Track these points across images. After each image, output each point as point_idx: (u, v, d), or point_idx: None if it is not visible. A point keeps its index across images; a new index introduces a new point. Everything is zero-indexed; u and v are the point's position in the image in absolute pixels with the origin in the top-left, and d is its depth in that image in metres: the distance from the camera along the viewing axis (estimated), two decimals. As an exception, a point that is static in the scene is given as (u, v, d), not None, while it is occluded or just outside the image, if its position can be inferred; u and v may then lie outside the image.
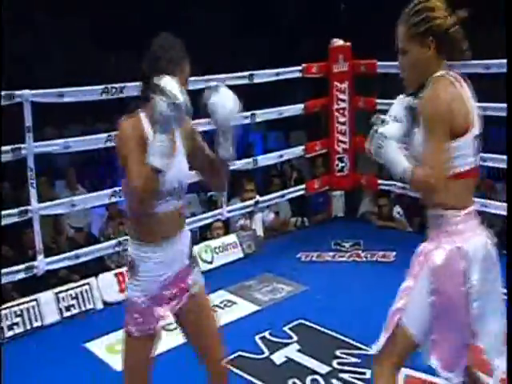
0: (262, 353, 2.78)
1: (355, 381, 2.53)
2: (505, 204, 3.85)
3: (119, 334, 2.95)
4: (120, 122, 1.73)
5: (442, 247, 1.69)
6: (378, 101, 4.48)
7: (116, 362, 2.75)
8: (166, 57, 1.69)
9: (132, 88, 3.48)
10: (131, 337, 1.79)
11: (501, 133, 6.45)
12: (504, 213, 3.86)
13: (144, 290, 1.75)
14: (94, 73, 6.43)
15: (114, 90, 3.42)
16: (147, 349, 1.81)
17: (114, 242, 3.58)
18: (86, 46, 7.76)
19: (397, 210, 4.73)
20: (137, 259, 1.74)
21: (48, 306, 3.20)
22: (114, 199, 3.57)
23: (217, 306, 3.19)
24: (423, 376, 2.49)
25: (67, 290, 3.31)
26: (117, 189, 3.54)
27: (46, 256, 3.25)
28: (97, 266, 3.71)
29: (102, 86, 3.38)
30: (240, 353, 2.75)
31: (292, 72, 4.44)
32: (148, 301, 1.76)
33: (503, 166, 3.87)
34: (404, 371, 2.51)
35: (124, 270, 3.56)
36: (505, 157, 3.90)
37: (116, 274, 3.54)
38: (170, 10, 8.02)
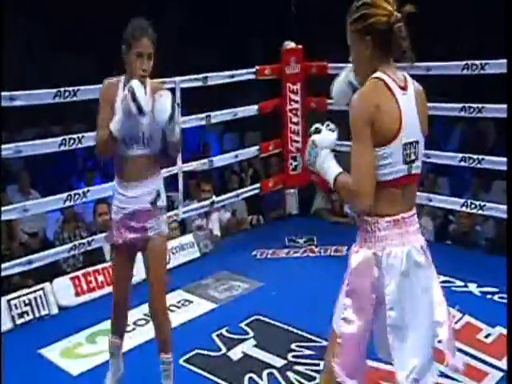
0: (219, 350, 2.78)
1: (310, 372, 2.57)
2: (448, 198, 4.08)
3: (76, 338, 2.94)
4: (104, 80, 2.24)
5: (361, 251, 1.66)
6: (330, 101, 4.57)
7: (72, 367, 2.71)
8: (128, 31, 2.12)
9: (86, 91, 3.41)
10: (116, 245, 2.28)
11: (444, 130, 6.73)
12: (446, 206, 4.04)
13: (115, 213, 2.24)
14: (47, 75, 6.25)
15: (67, 94, 3.33)
16: (125, 255, 2.28)
17: (69, 245, 3.50)
18: (39, 48, 7.51)
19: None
20: (114, 191, 2.26)
21: None
22: (68, 203, 3.48)
23: (174, 305, 3.18)
24: (374, 364, 2.57)
25: (20, 297, 3.19)
26: (72, 193, 3.46)
27: (-2, 263, 3.14)
28: (52, 271, 3.60)
29: (55, 90, 3.29)
30: (197, 350, 2.76)
31: (246, 74, 4.46)
32: (119, 221, 2.22)
33: (445, 162, 4.04)
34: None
35: (80, 273, 3.50)
36: (448, 153, 4.10)
37: (72, 278, 3.45)
38: (123, 13, 7.88)
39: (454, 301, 3.04)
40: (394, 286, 1.60)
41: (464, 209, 3.83)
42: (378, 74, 1.57)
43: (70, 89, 3.33)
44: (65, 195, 3.42)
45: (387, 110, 1.55)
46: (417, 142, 1.61)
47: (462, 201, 3.84)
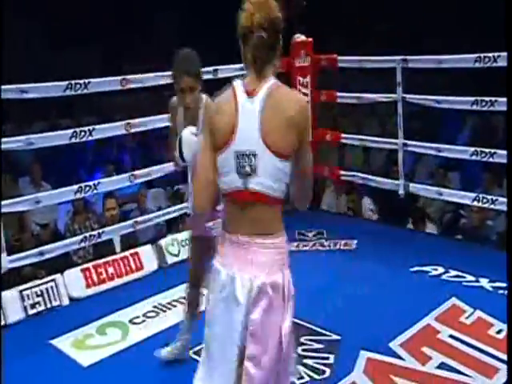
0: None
1: (319, 366, 2.55)
2: (459, 192, 4.03)
3: (86, 330, 2.94)
4: (170, 99, 2.42)
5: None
6: (339, 94, 4.53)
7: (83, 358, 2.71)
8: (174, 65, 2.30)
9: (97, 84, 3.41)
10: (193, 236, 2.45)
11: (457, 125, 6.66)
12: (457, 200, 3.99)
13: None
14: (50, 71, 6.25)
15: (78, 86, 3.32)
16: (199, 245, 2.39)
17: (79, 237, 3.50)
18: (38, 46, 7.53)
19: (368, 205, 4.80)
20: None
21: (12, 305, 3.09)
22: (79, 195, 3.48)
23: (184, 298, 3.16)
24: (383, 358, 2.55)
25: (32, 288, 3.21)
26: (82, 184, 3.46)
27: (9, 254, 3.14)
28: (63, 263, 3.61)
29: (66, 82, 3.27)
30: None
31: (256, 67, 4.41)
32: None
33: (457, 156, 3.98)
34: (365, 354, 2.57)
35: (91, 265, 3.51)
36: (459, 147, 4.04)
37: (82, 270, 3.45)
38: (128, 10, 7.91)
39: (466, 296, 3.04)
40: (212, 302, 1.56)
41: (476, 203, 3.77)
42: (237, 79, 1.54)
43: (81, 81, 3.32)
44: (76, 187, 3.42)
45: (224, 113, 1.49)
46: (254, 155, 1.45)
47: (474, 195, 3.78)
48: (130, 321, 3.03)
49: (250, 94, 1.47)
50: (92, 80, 3.37)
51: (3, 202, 3.11)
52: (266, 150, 1.45)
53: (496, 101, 3.57)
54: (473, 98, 3.69)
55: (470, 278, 3.35)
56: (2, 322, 3.05)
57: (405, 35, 6.85)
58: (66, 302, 3.31)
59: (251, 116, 1.46)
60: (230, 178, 1.50)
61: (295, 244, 4.06)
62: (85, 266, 3.51)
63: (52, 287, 3.28)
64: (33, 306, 3.18)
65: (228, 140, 1.47)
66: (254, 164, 1.46)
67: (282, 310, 1.53)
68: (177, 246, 3.88)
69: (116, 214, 4.06)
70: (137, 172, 3.79)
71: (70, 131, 3.36)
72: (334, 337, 2.76)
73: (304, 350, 2.66)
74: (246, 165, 1.46)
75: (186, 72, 2.23)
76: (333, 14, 7.47)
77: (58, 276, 3.34)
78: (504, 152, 3.63)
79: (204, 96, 2.28)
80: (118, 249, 3.87)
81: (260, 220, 1.50)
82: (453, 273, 3.41)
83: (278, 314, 1.52)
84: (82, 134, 3.38)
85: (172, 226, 4.35)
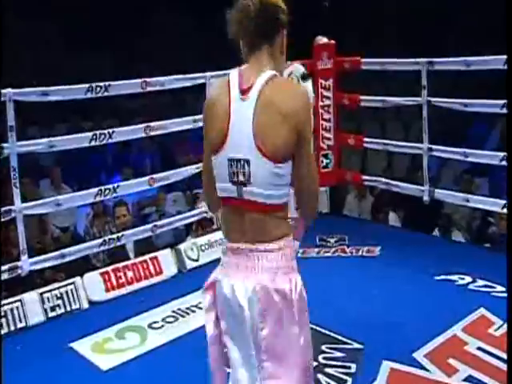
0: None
1: (341, 375, 2.53)
2: (487, 199, 3.96)
3: (105, 333, 2.98)
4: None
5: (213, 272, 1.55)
6: (363, 97, 4.51)
7: (102, 362, 2.75)
8: None
9: (117, 86, 3.46)
10: None
11: (484, 129, 6.56)
12: (486, 207, 3.92)
13: None
14: (68, 74, 6.37)
15: (98, 89, 3.38)
16: None
17: (99, 240, 3.55)
18: (56, 48, 7.69)
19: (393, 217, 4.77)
20: None
21: (32, 307, 3.15)
22: (99, 198, 3.53)
23: (198, 307, 3.14)
24: (407, 369, 2.52)
25: (52, 290, 3.27)
26: (102, 187, 3.51)
27: (30, 256, 3.21)
28: (82, 266, 3.67)
29: (87, 85, 3.34)
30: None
31: (277, 70, 4.43)
32: None
33: (485, 161, 3.92)
34: (388, 364, 2.54)
35: (110, 269, 3.55)
36: (488, 152, 3.98)
37: (102, 273, 3.50)
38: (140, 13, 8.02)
39: (495, 307, 2.98)
40: (223, 317, 1.50)
41: (505, 210, 3.70)
42: (231, 72, 1.46)
43: (102, 84, 3.38)
44: (95, 190, 3.48)
45: (217, 116, 1.42)
46: (247, 162, 1.37)
47: (503, 202, 3.71)
48: (149, 325, 3.06)
49: (244, 92, 1.39)
50: (112, 83, 3.43)
51: (24, 205, 3.18)
52: (261, 156, 1.37)
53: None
54: (502, 101, 3.63)
55: (499, 288, 3.28)
56: (23, 324, 3.11)
57: (426, 37, 6.80)
58: (85, 305, 3.36)
59: (244, 120, 1.38)
60: (224, 185, 1.45)
61: (316, 250, 4.05)
62: (104, 269, 3.56)
63: (72, 290, 3.34)
64: (53, 308, 3.24)
65: (221, 145, 1.41)
66: (248, 172, 1.39)
67: (295, 320, 1.44)
68: (196, 250, 3.90)
69: (127, 220, 4.09)
70: (156, 175, 3.84)
71: (90, 134, 3.42)
72: (356, 345, 2.73)
73: (325, 359, 2.65)
74: (239, 173, 1.40)
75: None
76: (352, 14, 7.45)
77: (77, 279, 3.40)
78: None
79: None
80: (131, 255, 3.89)
81: (260, 227, 1.44)
82: (481, 282, 3.34)
83: (293, 326, 1.43)
84: (102, 136, 3.43)
85: (191, 230, 4.38)
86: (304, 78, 1.75)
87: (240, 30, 1.43)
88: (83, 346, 2.88)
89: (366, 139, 4.58)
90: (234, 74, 1.45)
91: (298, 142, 1.39)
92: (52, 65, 7.25)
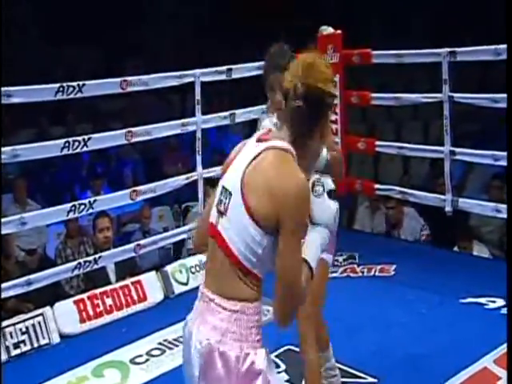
0: (246, 386, 2.78)
1: (352, 414, 2.55)
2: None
3: (80, 372, 2.98)
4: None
5: None
6: (374, 95, 4.55)
7: (77, 403, 2.74)
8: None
9: (93, 86, 3.49)
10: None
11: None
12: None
13: None
14: (45, 71, 6.39)
15: (70, 90, 3.41)
16: None
17: (73, 264, 3.56)
18: (34, 41, 7.72)
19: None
20: None
21: (-8, 345, 3.12)
22: (72, 215, 3.54)
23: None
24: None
25: (16, 324, 3.23)
26: (76, 203, 3.52)
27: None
28: (53, 294, 3.67)
29: (57, 85, 3.35)
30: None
31: (275, 65, 4.47)
32: None
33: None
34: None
35: (85, 296, 3.56)
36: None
37: (76, 302, 3.51)
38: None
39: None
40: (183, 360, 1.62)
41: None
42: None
43: (75, 84, 3.40)
44: (68, 206, 3.49)
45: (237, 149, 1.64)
46: (230, 194, 1.51)
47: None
48: (131, 360, 3.07)
49: (259, 140, 1.55)
50: (87, 82, 3.45)
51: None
52: (240, 197, 1.48)
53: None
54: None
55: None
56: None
57: (444, 26, 6.88)
58: (56, 339, 3.35)
59: (245, 159, 1.52)
60: (213, 210, 1.59)
61: (323, 271, 4.06)
62: (78, 297, 3.57)
63: (40, 322, 3.32)
64: (16, 345, 3.20)
65: (223, 173, 1.62)
66: (227, 205, 1.51)
67: None
68: (185, 273, 3.92)
69: (110, 235, 4.01)
70: (139, 188, 3.86)
71: (61, 141, 3.43)
72: (370, 379, 2.75)
73: (335, 397, 2.65)
74: (223, 202, 1.53)
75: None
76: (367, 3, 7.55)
77: (47, 309, 3.39)
78: None
79: None
80: (112, 279, 3.89)
81: (224, 277, 1.51)
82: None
83: None
84: (76, 144, 3.45)
85: (180, 249, 4.40)
86: (330, 195, 1.79)
87: (287, 101, 1.54)
88: (55, 387, 2.88)
89: (379, 143, 4.61)
90: (268, 127, 1.74)
91: (277, 225, 1.46)
92: (25, 58, 7.24)
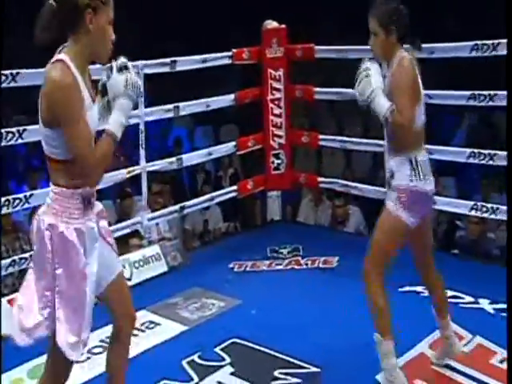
0: (191, 379, 2.75)
1: (297, 404, 2.58)
2: (454, 200, 4.13)
3: (15, 373, 2.87)
4: None
5: None
6: (318, 89, 4.60)
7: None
8: None
9: (29, 75, 3.35)
10: None
11: (451, 124, 6.77)
12: (452, 209, 4.09)
13: None
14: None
15: (3, 78, 3.26)
16: None
17: (7, 261, 3.41)
18: None
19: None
20: None
21: None
22: (6, 210, 3.40)
23: (138, 328, 3.12)
24: None
25: None
26: (10, 197, 3.38)
27: None
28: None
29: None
30: (165, 381, 2.72)
31: (220, 58, 4.44)
32: None
33: (451, 158, 4.09)
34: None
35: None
36: (454, 149, 4.16)
37: (10, 301, 3.36)
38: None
39: (464, 320, 3.11)
40: None
41: (473, 212, 3.87)
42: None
43: (7, 72, 3.26)
44: (2, 200, 3.34)
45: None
46: None
47: (471, 203, 3.89)
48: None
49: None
50: (22, 71, 3.32)
51: None
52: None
53: (496, 95, 3.67)
54: (469, 92, 3.80)
55: (468, 298, 3.43)
56: None
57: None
58: (-11, 340, 3.21)
59: None
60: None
61: (267, 263, 4.08)
62: (13, 296, 3.43)
63: (-1, 315, 3.17)
64: None
65: None
66: None
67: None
68: (128, 267, 3.84)
69: None
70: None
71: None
72: (314, 369, 2.77)
73: (279, 387, 2.68)
74: None
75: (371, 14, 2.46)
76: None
77: (-23, 310, 3.24)
78: (505, 153, 3.75)
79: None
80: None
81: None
82: (449, 293, 3.43)
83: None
84: (10, 135, 3.31)
85: (121, 244, 4.31)
86: (121, 69, 1.97)
87: None
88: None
89: (322, 136, 4.67)
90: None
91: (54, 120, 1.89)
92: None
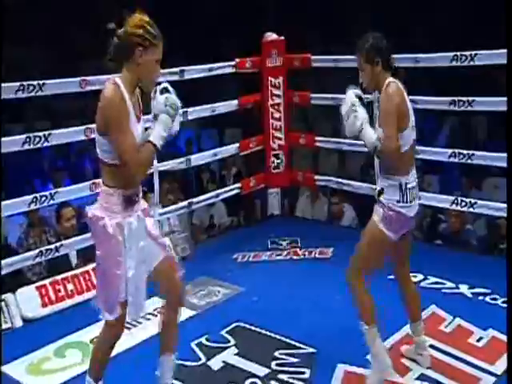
0: (199, 359, 2.79)
1: (294, 381, 2.60)
2: (437, 195, 4.15)
3: (42, 353, 2.91)
4: None
5: None
6: (313, 95, 4.62)
7: (39, 383, 2.67)
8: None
9: (53, 85, 3.37)
10: None
11: (434, 126, 6.81)
12: (435, 204, 4.11)
13: None
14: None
15: (31, 88, 3.29)
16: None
17: (35, 252, 3.45)
18: None
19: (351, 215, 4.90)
20: None
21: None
22: (34, 206, 3.42)
23: (150, 313, 3.15)
24: (362, 371, 2.61)
25: (-22, 310, 3.12)
26: (38, 195, 3.41)
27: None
28: (15, 281, 3.55)
29: (17, 84, 3.23)
30: (175, 361, 2.75)
31: (225, 67, 4.46)
32: None
33: (434, 158, 4.10)
34: (342, 367, 2.63)
35: (47, 282, 3.46)
36: (436, 149, 4.17)
37: (38, 287, 3.41)
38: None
39: (445, 303, 3.13)
40: None
41: (454, 206, 3.90)
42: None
43: (35, 82, 3.28)
44: (30, 197, 3.37)
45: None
46: None
47: (452, 198, 3.91)
48: (92, 341, 3.00)
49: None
50: (47, 81, 3.34)
51: None
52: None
53: (474, 101, 3.71)
54: (450, 98, 3.82)
55: (449, 284, 3.46)
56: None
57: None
58: (18, 323, 3.25)
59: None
60: None
61: (268, 253, 4.11)
62: (40, 283, 3.47)
63: (2, 308, 3.20)
64: (-21, 330, 3.08)
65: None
66: None
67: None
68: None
69: (74, 224, 3.97)
70: (99, 180, 3.77)
71: (23, 136, 3.31)
72: (310, 350, 2.81)
73: (278, 365, 2.71)
74: None
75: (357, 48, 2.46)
76: (304, 9, 7.57)
77: (9, 295, 3.28)
78: (483, 153, 3.78)
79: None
80: (74, 262, 3.81)
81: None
82: (432, 279, 3.51)
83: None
84: (37, 139, 3.34)
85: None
86: (162, 91, 2.12)
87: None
88: (17, 369, 2.78)
89: (318, 138, 4.69)
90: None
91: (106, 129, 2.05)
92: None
